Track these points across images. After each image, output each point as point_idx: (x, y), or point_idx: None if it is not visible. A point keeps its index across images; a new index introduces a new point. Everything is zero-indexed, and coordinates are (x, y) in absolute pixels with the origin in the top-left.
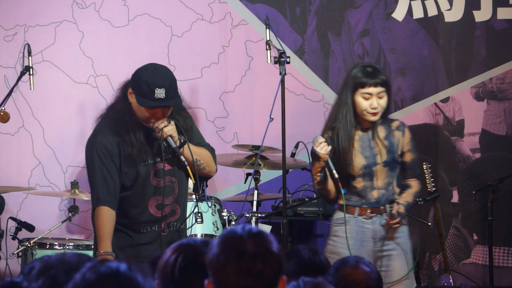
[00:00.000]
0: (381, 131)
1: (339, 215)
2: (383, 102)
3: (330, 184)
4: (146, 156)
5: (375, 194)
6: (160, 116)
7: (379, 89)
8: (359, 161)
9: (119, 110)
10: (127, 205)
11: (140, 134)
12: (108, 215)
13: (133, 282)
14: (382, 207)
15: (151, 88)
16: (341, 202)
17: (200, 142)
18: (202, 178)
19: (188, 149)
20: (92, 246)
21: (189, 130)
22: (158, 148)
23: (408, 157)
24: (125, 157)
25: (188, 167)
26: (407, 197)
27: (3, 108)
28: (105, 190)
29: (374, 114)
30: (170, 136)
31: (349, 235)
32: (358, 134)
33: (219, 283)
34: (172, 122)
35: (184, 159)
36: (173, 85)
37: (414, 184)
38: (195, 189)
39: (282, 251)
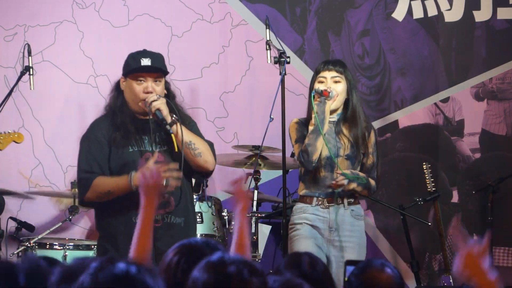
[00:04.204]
0: (348, 126)
1: (298, 205)
2: (339, 87)
3: (320, 141)
4: (136, 143)
5: (333, 187)
6: (150, 90)
7: (333, 73)
8: (322, 151)
9: (113, 105)
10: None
11: (132, 125)
12: (101, 180)
13: (144, 285)
14: (339, 198)
15: (136, 59)
16: (302, 193)
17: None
18: (200, 173)
19: (179, 129)
20: (92, 246)
21: (186, 126)
22: (149, 140)
23: (368, 160)
24: (112, 141)
25: (172, 136)
26: (359, 172)
27: (15, 130)
28: (90, 163)
29: (326, 91)
30: (159, 109)
31: (306, 222)
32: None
33: None
34: (163, 98)
35: (169, 129)
36: (159, 57)
37: (370, 180)
38: (195, 189)
39: (296, 257)
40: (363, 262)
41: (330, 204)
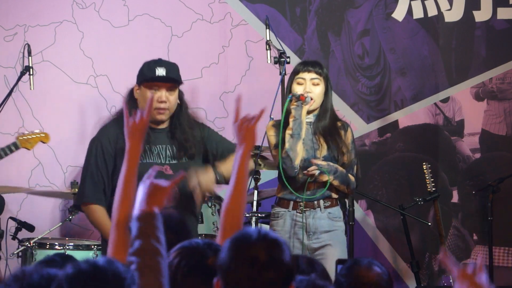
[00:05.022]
0: (324, 127)
1: (275, 209)
2: (318, 89)
3: (300, 146)
4: (144, 155)
5: (311, 187)
6: (163, 99)
7: (312, 75)
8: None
9: (129, 99)
10: None
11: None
12: (101, 213)
13: (115, 273)
14: (316, 202)
15: (151, 68)
16: (280, 195)
17: (227, 146)
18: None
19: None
20: (93, 246)
21: (198, 142)
22: (158, 152)
23: (347, 158)
24: (120, 151)
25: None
26: (337, 166)
27: (40, 130)
28: (91, 187)
29: (302, 95)
30: (211, 190)
31: (283, 229)
32: None
33: (228, 286)
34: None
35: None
36: (174, 67)
37: (349, 175)
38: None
39: (293, 260)
40: (351, 261)
41: (306, 209)
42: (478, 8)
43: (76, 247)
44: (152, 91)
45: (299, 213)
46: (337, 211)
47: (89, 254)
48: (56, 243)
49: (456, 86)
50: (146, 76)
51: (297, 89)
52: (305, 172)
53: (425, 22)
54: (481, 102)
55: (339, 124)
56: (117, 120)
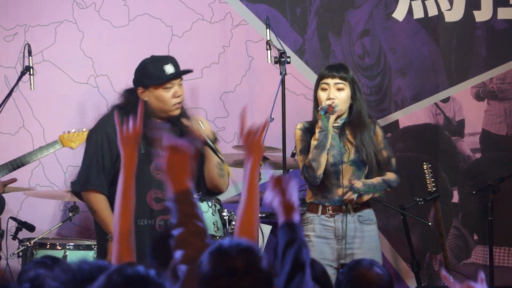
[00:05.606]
0: (353, 130)
1: (305, 215)
2: (342, 95)
3: (324, 156)
4: (145, 144)
5: (339, 192)
6: (179, 94)
7: (336, 80)
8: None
9: (130, 102)
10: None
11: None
12: (102, 201)
13: (155, 283)
14: (344, 207)
15: (159, 68)
16: (309, 201)
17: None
18: (212, 193)
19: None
20: (93, 246)
21: (217, 139)
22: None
23: (382, 155)
24: None
25: (218, 149)
26: (373, 179)
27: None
28: (96, 174)
29: (330, 106)
30: (207, 137)
31: (313, 234)
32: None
33: None
34: (204, 122)
35: (219, 154)
36: (175, 60)
37: (389, 174)
38: (196, 189)
39: (272, 267)
40: (352, 261)
41: (335, 213)
42: (478, 8)
43: (76, 247)
44: (165, 89)
45: (328, 217)
46: (368, 213)
47: (89, 254)
48: (56, 243)
49: (457, 86)
50: (159, 77)
51: (322, 95)
52: (343, 200)
53: (425, 22)
54: (481, 102)
55: (368, 122)
56: (118, 109)
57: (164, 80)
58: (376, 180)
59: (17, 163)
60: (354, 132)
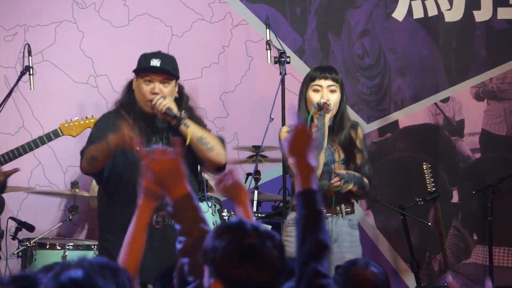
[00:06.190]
0: (338, 129)
1: (292, 215)
2: (335, 97)
3: (322, 156)
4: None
5: (331, 192)
6: (156, 91)
7: (329, 82)
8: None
9: (123, 103)
10: (120, 185)
11: (140, 124)
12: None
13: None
14: (338, 208)
15: (147, 59)
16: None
17: None
18: (212, 165)
19: (191, 127)
20: (93, 247)
21: (202, 124)
22: (157, 139)
23: (359, 157)
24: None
25: (188, 129)
26: (354, 172)
27: (88, 116)
28: (93, 140)
29: (326, 104)
30: (169, 108)
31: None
32: None
33: (229, 280)
34: (169, 97)
35: (184, 122)
36: (170, 59)
37: (364, 178)
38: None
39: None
40: (348, 261)
41: (327, 215)
42: (478, 8)
43: (76, 247)
44: (146, 82)
45: None
46: (354, 218)
47: (89, 254)
48: (56, 243)
49: (456, 86)
50: (140, 65)
51: (314, 97)
52: (329, 184)
53: (425, 22)
54: (481, 102)
55: (349, 124)
56: (115, 110)
57: (141, 68)
58: (357, 174)
59: (19, 152)
60: (336, 133)
